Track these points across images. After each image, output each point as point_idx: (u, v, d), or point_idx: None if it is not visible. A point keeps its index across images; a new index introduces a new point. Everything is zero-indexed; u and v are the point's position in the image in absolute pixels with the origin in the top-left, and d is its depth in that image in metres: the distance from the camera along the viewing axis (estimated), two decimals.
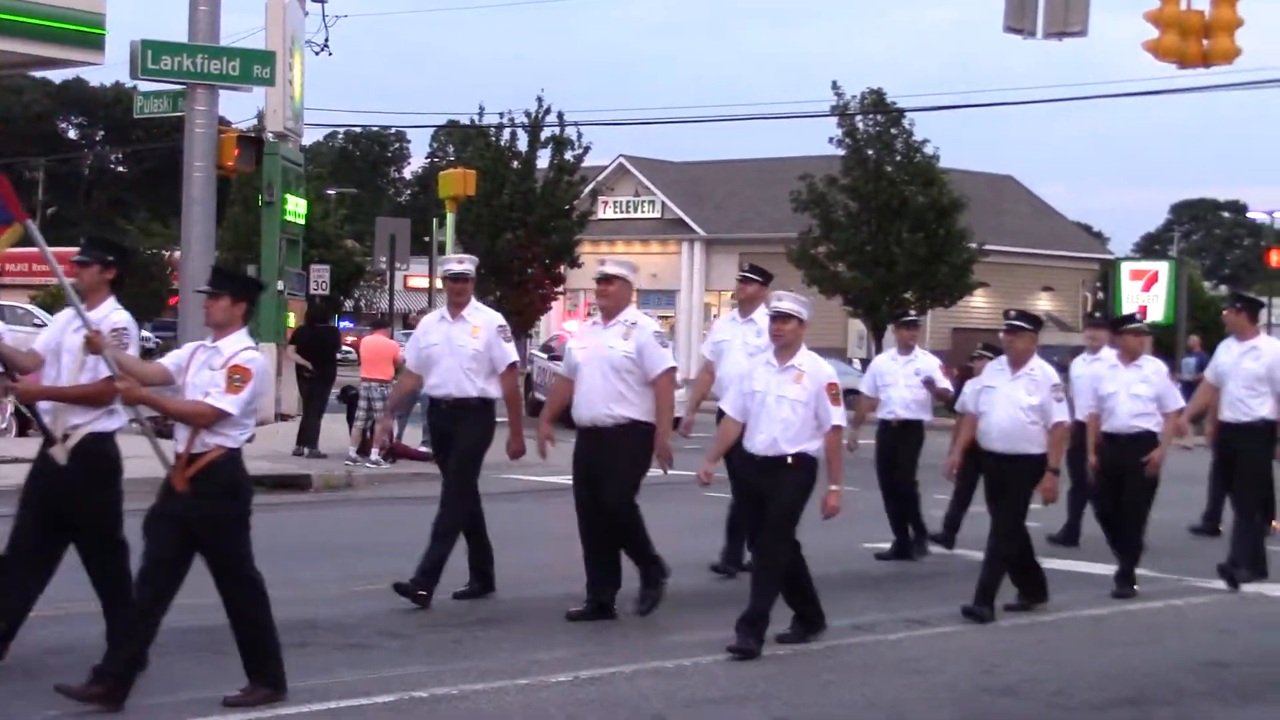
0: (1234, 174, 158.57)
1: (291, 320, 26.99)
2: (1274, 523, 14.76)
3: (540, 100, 45.71)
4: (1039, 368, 11.17)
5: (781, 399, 9.61)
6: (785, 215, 49.29)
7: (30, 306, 51.30)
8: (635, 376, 10.44)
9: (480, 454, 11.14)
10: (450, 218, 28.94)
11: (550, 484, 17.65)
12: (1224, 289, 71.95)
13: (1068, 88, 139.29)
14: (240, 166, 26.30)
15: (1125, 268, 47.14)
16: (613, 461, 10.41)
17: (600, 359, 10.48)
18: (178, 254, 28.66)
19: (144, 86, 26.95)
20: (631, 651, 9.30)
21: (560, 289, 48.37)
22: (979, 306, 53.85)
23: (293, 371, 25.17)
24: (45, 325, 41.30)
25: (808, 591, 9.97)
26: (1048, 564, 13.11)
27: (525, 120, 45.74)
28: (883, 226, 43.59)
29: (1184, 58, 17.27)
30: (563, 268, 47.15)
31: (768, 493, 9.64)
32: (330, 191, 61.60)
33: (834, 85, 44.25)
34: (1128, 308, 44.80)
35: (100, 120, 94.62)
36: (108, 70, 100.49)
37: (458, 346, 10.98)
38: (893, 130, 44.45)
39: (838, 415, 9.64)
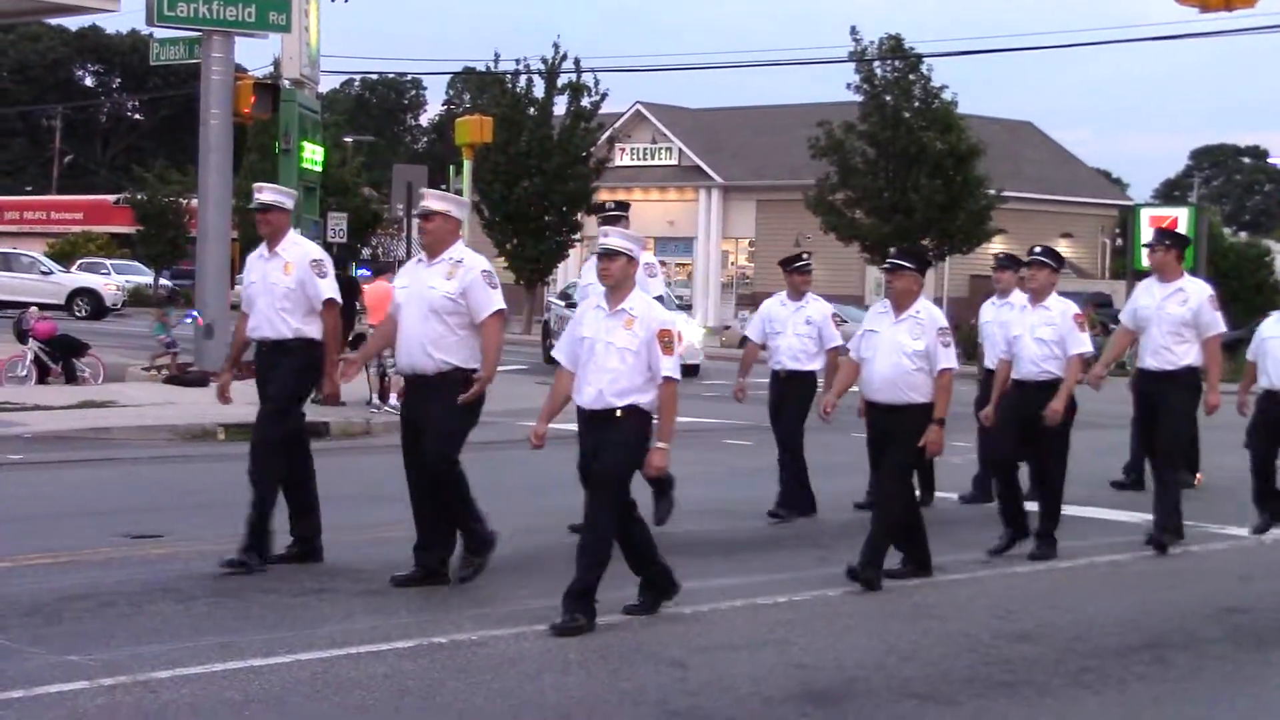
0: (1255, 119, 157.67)
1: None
2: (1199, 475, 13.81)
3: (557, 46, 45.69)
4: (924, 310, 10.24)
5: (610, 346, 8.66)
6: (803, 162, 49.14)
7: (37, 255, 51.38)
8: (458, 320, 9.56)
9: (292, 397, 10.27)
10: (467, 165, 28.96)
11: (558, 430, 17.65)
12: (1244, 235, 71.68)
13: (1087, 32, 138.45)
14: (257, 114, 26.30)
15: (1145, 214, 46.90)
16: (435, 411, 9.57)
17: (420, 300, 9.61)
18: (195, 202, 28.66)
19: (160, 33, 26.90)
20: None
21: (577, 236, 48.36)
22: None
23: None
24: (51, 274, 41.40)
25: (647, 554, 9.09)
26: (1065, 510, 13.12)
27: (542, 67, 45.66)
28: (900, 173, 43.47)
29: (1206, 1, 17.15)
30: (580, 215, 47.12)
31: (594, 450, 8.81)
32: (347, 139, 61.55)
33: (852, 31, 44.11)
34: (1147, 255, 44.68)
35: (117, 68, 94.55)
36: (124, 17, 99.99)
37: (270, 284, 10.19)
38: (911, 76, 44.26)
39: (670, 366, 8.64)
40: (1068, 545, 11.81)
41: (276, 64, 32.69)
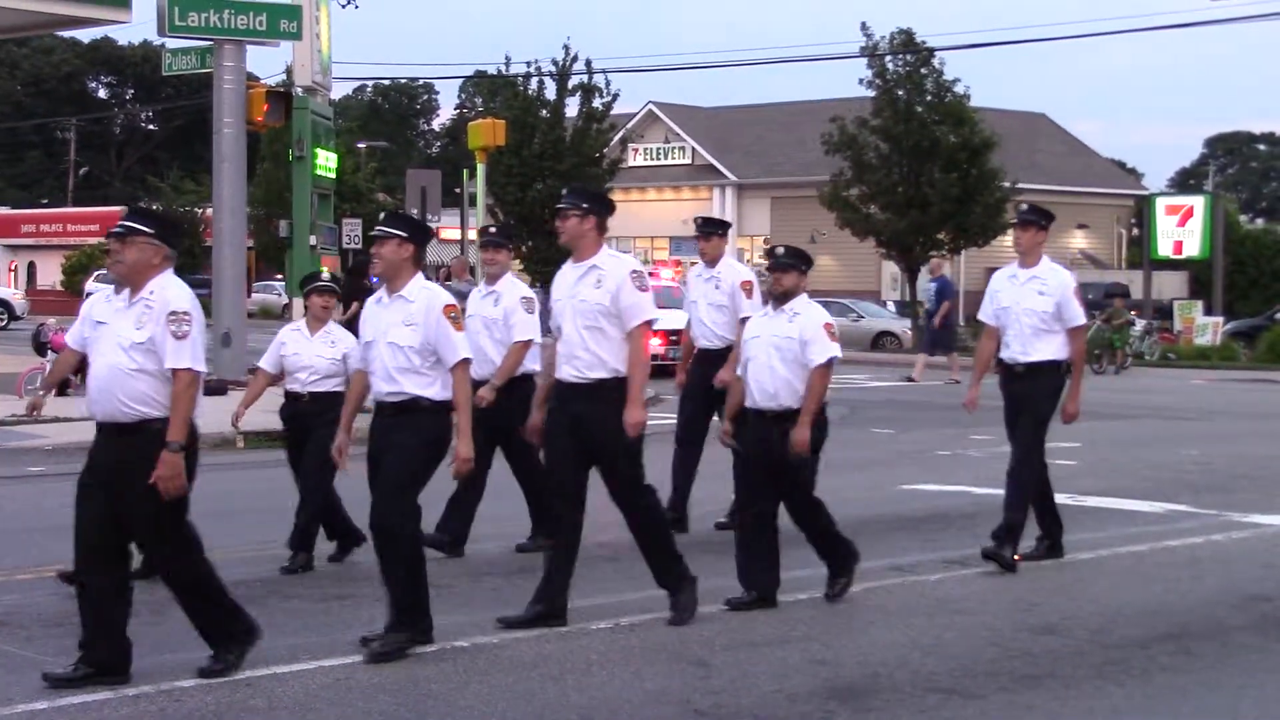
0: (1269, 106, 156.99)
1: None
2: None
3: (567, 48, 45.61)
4: (158, 289, 7.47)
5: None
6: (816, 158, 49.09)
7: None
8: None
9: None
10: (480, 169, 28.97)
11: None
12: (1260, 222, 71.47)
13: (1100, 22, 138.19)
14: (270, 122, 26.34)
15: (1160, 203, 46.86)
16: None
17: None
18: (210, 211, 28.75)
19: (172, 44, 26.98)
20: None
21: None
22: (1012, 246, 53.72)
23: None
24: None
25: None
26: (1086, 501, 13.09)
27: (553, 69, 45.64)
28: (914, 167, 43.39)
29: None
30: None
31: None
32: (360, 145, 61.70)
33: (863, 26, 44.02)
34: (1163, 244, 44.65)
35: (130, 79, 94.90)
36: (136, 29, 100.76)
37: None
38: (923, 70, 44.16)
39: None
40: (1088, 537, 11.78)
41: (288, 72, 32.79)
